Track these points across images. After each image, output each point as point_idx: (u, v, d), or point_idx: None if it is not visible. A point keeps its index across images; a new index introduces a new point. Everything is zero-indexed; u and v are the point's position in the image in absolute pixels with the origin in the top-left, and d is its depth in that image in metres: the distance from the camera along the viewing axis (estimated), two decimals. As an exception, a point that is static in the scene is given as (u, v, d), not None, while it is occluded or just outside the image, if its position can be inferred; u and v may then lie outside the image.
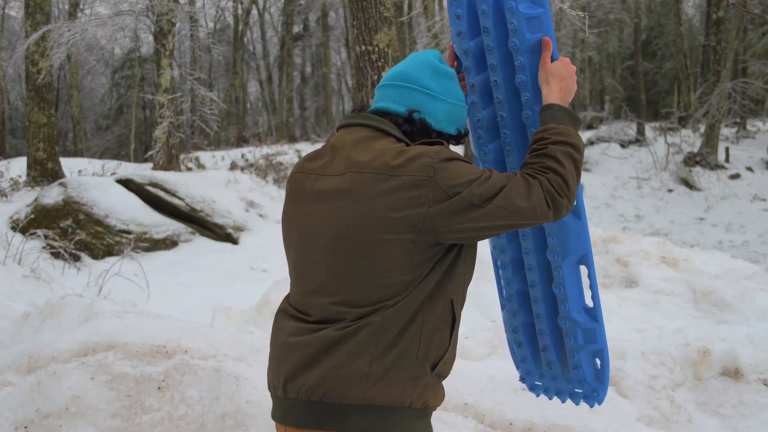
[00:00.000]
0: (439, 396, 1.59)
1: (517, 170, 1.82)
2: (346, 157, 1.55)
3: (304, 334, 1.54)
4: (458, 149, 14.63)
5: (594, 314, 1.94)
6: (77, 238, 7.65)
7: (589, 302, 1.99)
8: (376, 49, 4.55)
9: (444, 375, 1.59)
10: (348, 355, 1.47)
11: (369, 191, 1.49)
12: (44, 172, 11.05)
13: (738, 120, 20.57)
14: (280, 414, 1.57)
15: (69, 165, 12.49)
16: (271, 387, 1.61)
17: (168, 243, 8.77)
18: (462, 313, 1.67)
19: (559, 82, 1.74)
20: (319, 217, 1.56)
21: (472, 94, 1.93)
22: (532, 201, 1.51)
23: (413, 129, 1.61)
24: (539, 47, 1.79)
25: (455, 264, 1.56)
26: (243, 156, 14.14)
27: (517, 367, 2.25)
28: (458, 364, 3.02)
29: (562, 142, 1.61)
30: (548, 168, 1.57)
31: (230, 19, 30.42)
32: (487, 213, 1.48)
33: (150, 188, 9.24)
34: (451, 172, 1.48)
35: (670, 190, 15.26)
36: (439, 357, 1.55)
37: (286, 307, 1.65)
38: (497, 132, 1.95)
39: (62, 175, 11.08)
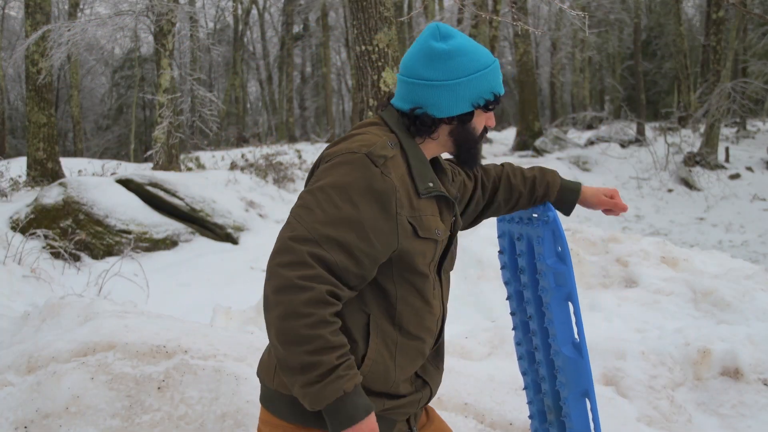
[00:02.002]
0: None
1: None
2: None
3: None
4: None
5: None
6: (77, 238, 7.65)
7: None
8: (376, 49, 4.55)
9: None
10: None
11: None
12: (44, 172, 11.04)
13: (738, 120, 20.60)
14: None
15: (69, 165, 12.49)
16: None
17: (168, 243, 8.77)
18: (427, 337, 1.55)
19: None
20: None
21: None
22: (282, 245, 1.37)
23: (416, 126, 1.55)
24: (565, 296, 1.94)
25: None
26: (243, 156, 14.14)
27: None
28: (458, 364, 3.01)
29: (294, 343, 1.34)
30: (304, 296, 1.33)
31: (230, 19, 30.44)
32: (295, 210, 1.43)
33: (150, 188, 9.24)
34: (331, 168, 1.44)
35: (670, 190, 15.25)
36: None
37: None
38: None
39: (62, 175, 11.08)
